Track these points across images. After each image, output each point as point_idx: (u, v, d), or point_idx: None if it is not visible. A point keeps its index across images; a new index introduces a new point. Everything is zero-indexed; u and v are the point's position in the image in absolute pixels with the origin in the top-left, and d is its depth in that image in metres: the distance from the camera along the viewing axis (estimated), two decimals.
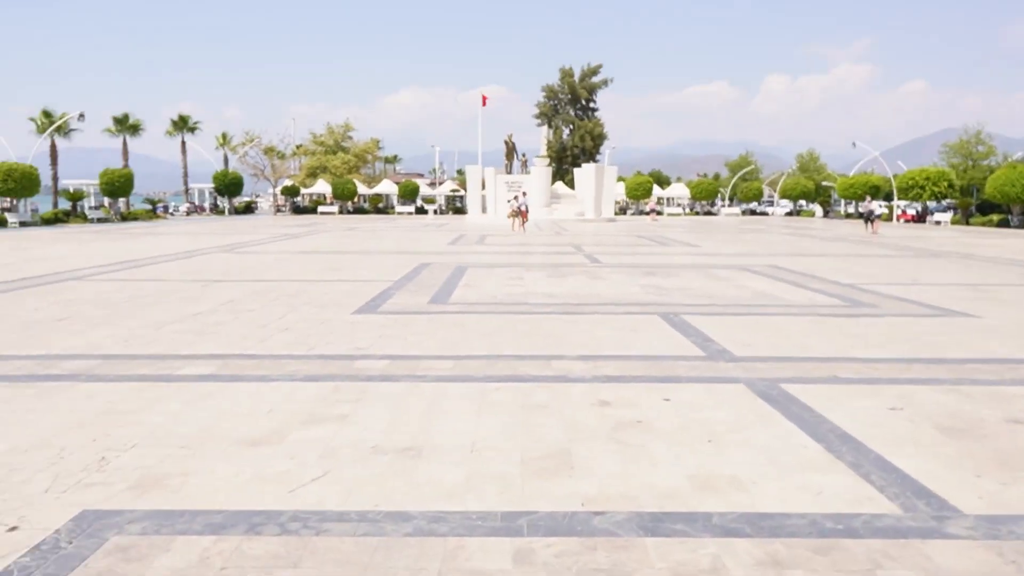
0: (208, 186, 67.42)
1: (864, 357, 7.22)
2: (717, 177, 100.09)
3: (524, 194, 34.65)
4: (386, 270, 15.44)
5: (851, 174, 64.65)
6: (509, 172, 52.66)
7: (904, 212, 51.04)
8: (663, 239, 27.72)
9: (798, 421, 5.12)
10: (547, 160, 51.42)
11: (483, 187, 51.49)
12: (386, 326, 8.84)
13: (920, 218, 49.16)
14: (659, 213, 60.74)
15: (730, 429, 4.96)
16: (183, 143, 63.24)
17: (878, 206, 35.20)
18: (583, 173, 50.83)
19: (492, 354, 7.27)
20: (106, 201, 49.08)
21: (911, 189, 47.89)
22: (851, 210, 60.40)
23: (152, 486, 3.97)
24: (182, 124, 62.86)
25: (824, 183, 70.49)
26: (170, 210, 60.55)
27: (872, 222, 34.05)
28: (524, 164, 52.89)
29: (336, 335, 8.26)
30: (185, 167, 64.50)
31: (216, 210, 62.69)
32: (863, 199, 56.65)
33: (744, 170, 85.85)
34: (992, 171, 51.40)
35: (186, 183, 65.74)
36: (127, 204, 52.09)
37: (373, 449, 4.58)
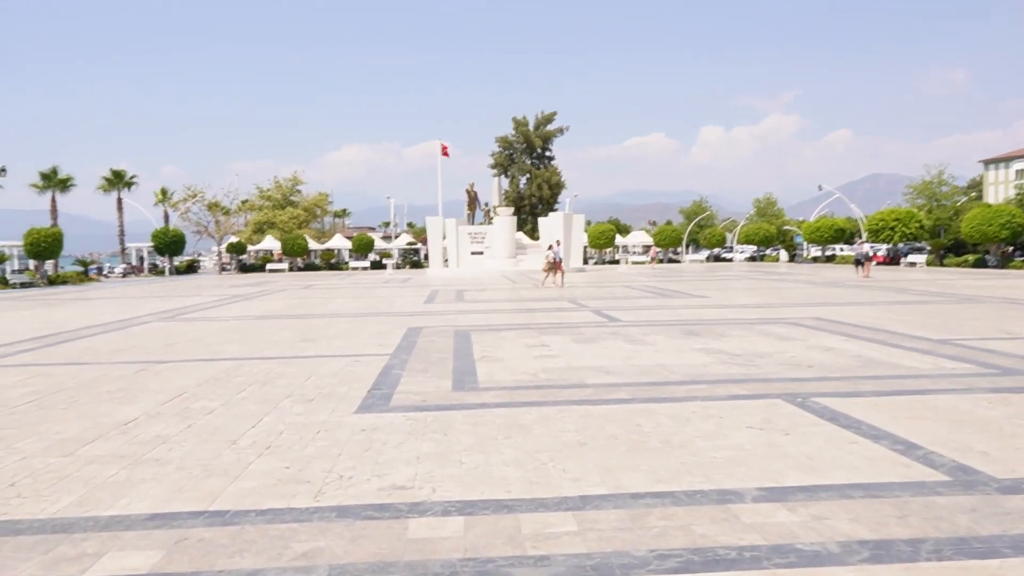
0: (147, 245, 63.19)
1: None
2: (670, 224, 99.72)
3: (558, 243, 30.51)
4: (371, 339, 12.55)
5: (812, 218, 64.29)
6: (471, 223, 50.27)
7: (876, 255, 50.17)
8: (658, 289, 25.39)
9: None
10: (511, 209, 49.22)
11: (443, 238, 48.98)
12: (416, 435, 6.01)
13: (893, 260, 48.27)
14: (661, 261, 59.25)
15: None
16: (119, 200, 59.16)
17: (870, 248, 33.64)
18: (550, 222, 48.66)
19: (619, 492, 4.51)
20: (31, 264, 44.75)
21: (882, 231, 47.05)
22: (816, 253, 59.55)
23: None
24: (117, 180, 58.84)
25: (785, 227, 70.00)
26: (104, 272, 56.15)
27: (863, 265, 32.47)
28: (488, 214, 50.57)
29: (349, 457, 5.40)
30: (121, 225, 60.28)
31: (156, 270, 58.48)
32: (839, 241, 55.98)
33: (699, 217, 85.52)
34: (956, 211, 51.28)
35: (122, 242, 61.40)
36: (56, 266, 47.74)
37: None
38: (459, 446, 5.65)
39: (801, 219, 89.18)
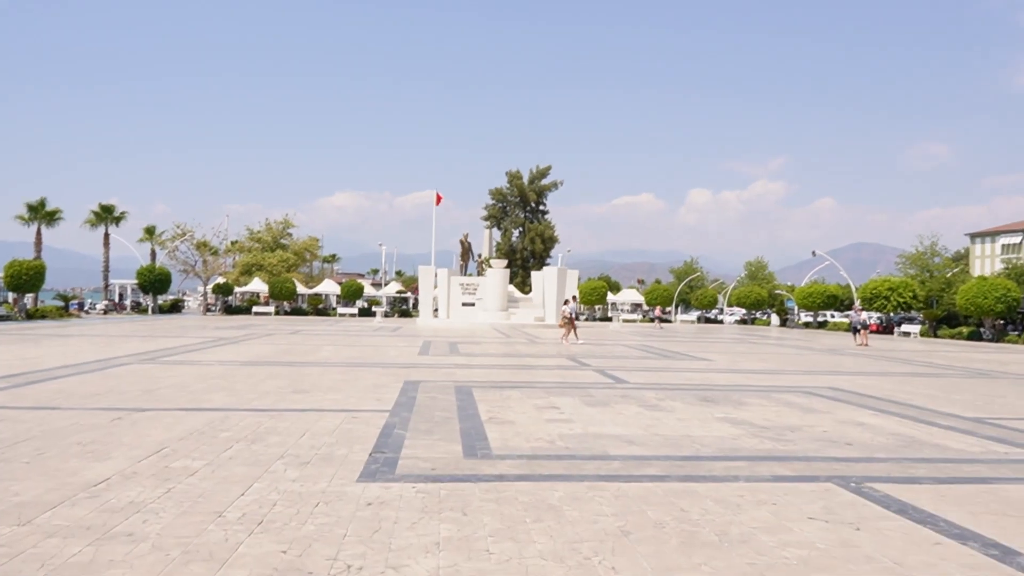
0: (131, 282, 62.09)
1: None
2: (659, 283, 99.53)
3: (574, 299, 30.42)
4: (368, 392, 11.75)
5: (803, 283, 64.32)
6: (464, 273, 49.71)
7: (871, 323, 49.88)
8: (657, 350, 24.72)
9: None
10: (504, 262, 48.77)
11: (435, 288, 48.33)
12: (431, 512, 5.23)
13: (886, 329, 47.99)
14: (666, 320, 59.26)
15: None
16: (106, 235, 58.25)
17: (867, 317, 33.19)
18: (544, 276, 48.23)
19: None
20: (10, 296, 43.59)
21: (875, 299, 46.84)
22: (808, 319, 59.30)
23: None
24: (105, 214, 58.02)
25: (776, 291, 69.97)
26: (85, 308, 54.93)
27: (860, 332, 32.04)
28: (481, 265, 50.05)
29: (356, 540, 4.61)
30: (107, 261, 59.24)
31: (139, 308, 57.29)
32: (832, 308, 55.73)
33: (690, 277, 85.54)
34: (948, 283, 51.31)
35: (106, 278, 60.26)
36: (36, 300, 46.55)
37: None
38: (483, 530, 4.87)
39: (790, 284, 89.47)
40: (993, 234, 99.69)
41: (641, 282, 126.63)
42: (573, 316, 27.00)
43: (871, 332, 47.67)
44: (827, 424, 9.58)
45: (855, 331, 32.48)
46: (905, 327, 45.99)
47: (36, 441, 7.38)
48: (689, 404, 11.19)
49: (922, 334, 44.42)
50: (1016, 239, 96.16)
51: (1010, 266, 56.18)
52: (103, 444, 7.30)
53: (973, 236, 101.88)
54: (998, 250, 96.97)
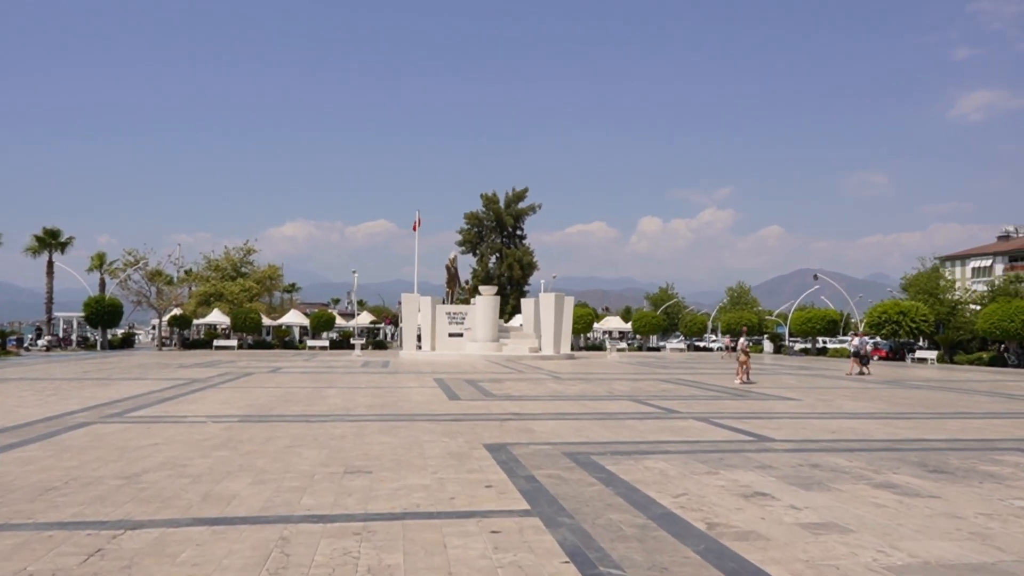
0: (76, 315, 56.56)
1: None
2: (628, 311, 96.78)
3: (745, 330, 27.50)
4: (457, 470, 8.05)
5: (790, 309, 62.15)
6: (451, 301, 45.95)
7: (877, 349, 47.54)
8: (711, 386, 21.37)
9: None
10: (494, 288, 45.14)
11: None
12: None
13: (896, 356, 45.61)
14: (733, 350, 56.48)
15: None
16: (50, 263, 52.91)
17: (865, 343, 30.13)
18: (540, 303, 44.63)
19: None
20: None
21: (885, 324, 44.49)
22: (806, 345, 56.82)
23: None
24: (49, 240, 52.77)
25: (767, 317, 67.73)
26: (26, 344, 49.48)
27: (856, 361, 29.13)
28: (469, 292, 46.27)
29: None
30: (50, 292, 53.82)
31: (86, 344, 51.90)
32: (829, 334, 53.50)
33: (667, 304, 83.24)
34: (955, 306, 49.37)
35: (49, 311, 54.78)
36: None
37: None
38: None
39: (770, 310, 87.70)
40: (963, 257, 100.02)
41: (607, 310, 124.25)
42: (745, 349, 23.57)
43: (879, 359, 44.97)
44: None
45: (863, 360, 29.00)
46: (920, 353, 43.61)
47: None
48: (928, 479, 7.79)
49: (939, 360, 42.09)
50: (987, 262, 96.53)
51: (995, 288, 54.28)
52: None
53: (943, 259, 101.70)
54: (968, 273, 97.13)
